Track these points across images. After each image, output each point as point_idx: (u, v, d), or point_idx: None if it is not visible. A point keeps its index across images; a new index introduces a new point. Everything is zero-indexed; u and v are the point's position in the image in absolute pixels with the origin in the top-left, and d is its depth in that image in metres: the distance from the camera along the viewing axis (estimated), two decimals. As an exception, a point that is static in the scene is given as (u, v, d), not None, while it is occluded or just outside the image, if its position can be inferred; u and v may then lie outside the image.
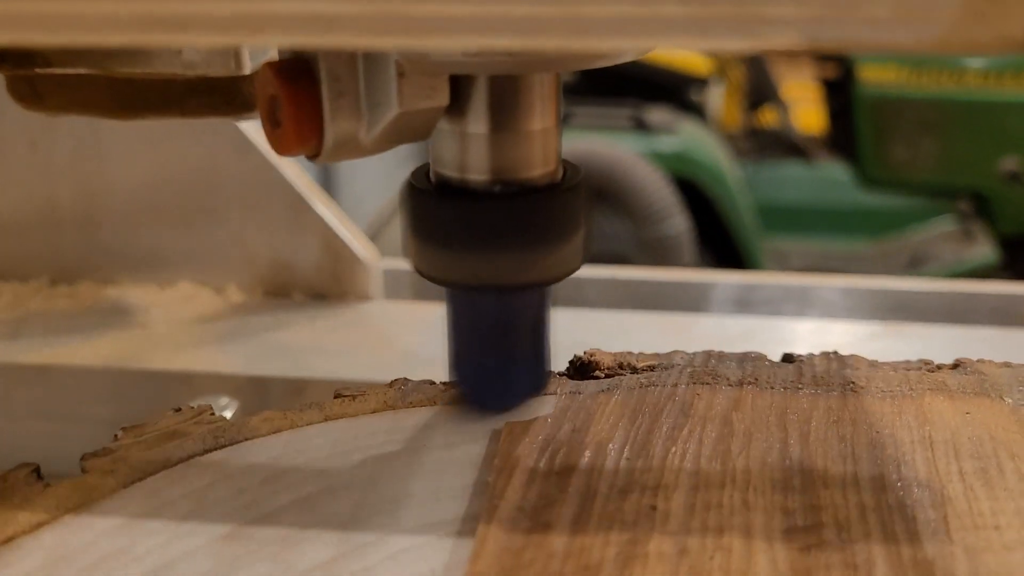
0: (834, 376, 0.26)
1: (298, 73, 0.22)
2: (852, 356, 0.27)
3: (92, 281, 0.49)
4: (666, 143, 1.69)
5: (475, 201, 0.23)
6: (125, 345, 0.43)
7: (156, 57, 0.30)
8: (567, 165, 0.25)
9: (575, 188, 0.24)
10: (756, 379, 0.26)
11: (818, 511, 0.20)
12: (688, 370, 0.26)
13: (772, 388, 0.25)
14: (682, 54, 1.77)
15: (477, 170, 0.23)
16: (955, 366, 0.27)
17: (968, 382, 0.26)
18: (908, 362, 0.27)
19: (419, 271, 0.24)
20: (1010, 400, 0.25)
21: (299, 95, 0.22)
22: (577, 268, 0.24)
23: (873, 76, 1.80)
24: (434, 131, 0.23)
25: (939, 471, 0.22)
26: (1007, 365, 0.27)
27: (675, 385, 0.25)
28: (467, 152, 0.23)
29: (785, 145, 1.98)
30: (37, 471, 0.22)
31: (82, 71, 0.30)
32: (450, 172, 0.24)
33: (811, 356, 0.27)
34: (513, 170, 0.23)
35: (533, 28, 0.15)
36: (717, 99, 1.95)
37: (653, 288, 0.47)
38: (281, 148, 0.22)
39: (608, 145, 1.60)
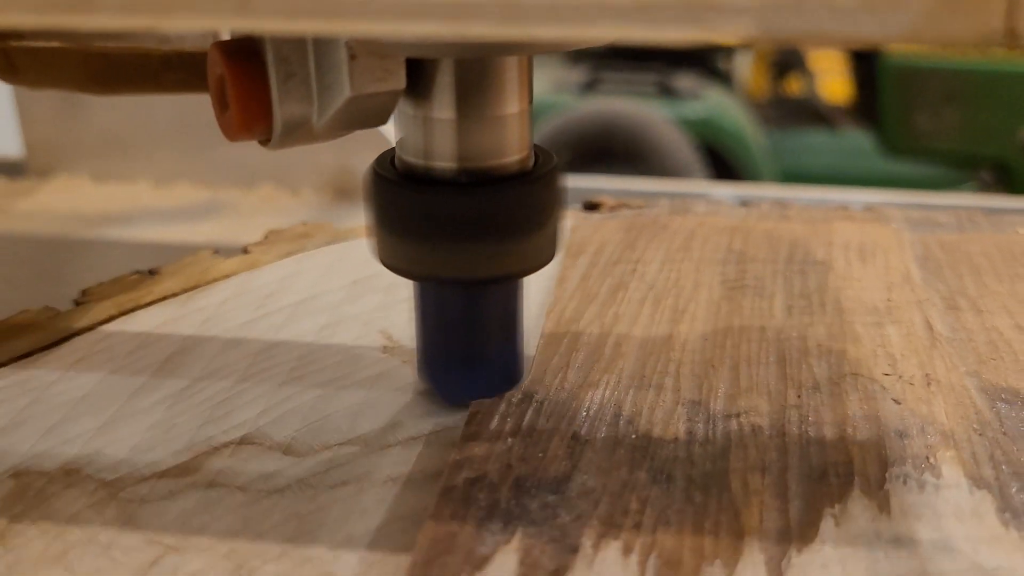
0: (773, 210, 0.38)
1: (245, 53, 0.21)
2: (791, 203, 0.39)
3: (189, 182, 0.62)
4: (692, 109, 1.79)
5: (440, 191, 0.23)
6: (222, 229, 0.55)
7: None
8: (540, 152, 0.25)
9: (547, 176, 0.24)
10: (717, 212, 0.38)
11: (744, 274, 0.32)
12: (668, 206, 0.38)
13: (728, 217, 0.37)
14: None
15: (443, 158, 0.23)
16: (866, 210, 0.38)
17: (869, 216, 0.37)
18: (830, 206, 0.39)
19: (383, 263, 0.24)
20: (895, 225, 0.36)
21: (245, 76, 0.21)
22: (550, 259, 0.24)
23: (899, 45, 1.88)
24: (398, 116, 0.23)
25: (832, 256, 0.33)
26: (901, 208, 0.38)
27: (657, 215, 0.37)
28: (432, 139, 0.23)
29: (810, 113, 2.07)
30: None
31: (56, 45, 0.30)
32: (414, 159, 0.23)
33: (761, 201, 0.39)
34: (481, 158, 0.23)
35: (463, 14, 0.14)
36: (744, 67, 2.05)
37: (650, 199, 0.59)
38: (229, 132, 0.22)
39: (633, 107, 1.70)
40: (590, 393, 0.25)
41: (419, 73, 0.22)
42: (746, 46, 1.94)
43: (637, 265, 0.33)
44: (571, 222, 0.37)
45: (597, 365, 0.26)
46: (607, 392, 0.25)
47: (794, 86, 2.08)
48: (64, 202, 0.58)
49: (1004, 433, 0.23)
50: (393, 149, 0.24)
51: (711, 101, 1.86)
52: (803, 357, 0.27)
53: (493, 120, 0.23)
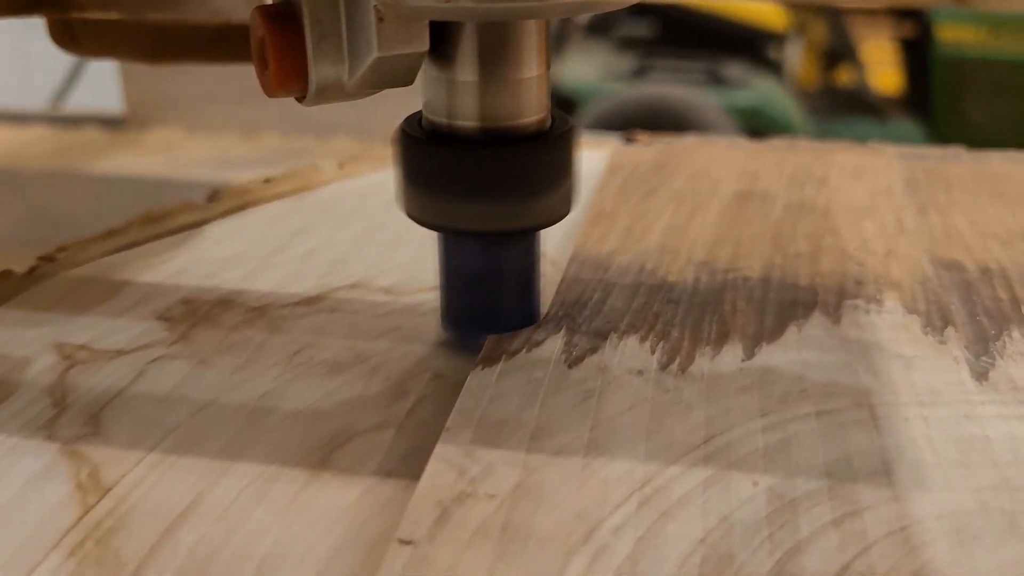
0: (785, 143, 0.45)
1: (284, 16, 0.24)
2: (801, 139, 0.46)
3: (272, 134, 0.71)
4: (740, 97, 1.86)
5: (462, 148, 0.25)
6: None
7: (184, 4, 0.32)
8: (556, 114, 0.27)
9: (563, 136, 0.26)
10: (736, 145, 0.45)
11: (753, 185, 0.40)
12: (695, 140, 0.46)
13: (744, 149, 0.45)
14: (761, 9, 1.93)
15: (465, 117, 0.25)
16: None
17: (867, 151, 0.45)
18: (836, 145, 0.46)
19: (409, 215, 0.27)
20: (887, 158, 0.44)
21: (284, 37, 0.23)
22: (565, 215, 0.27)
23: (951, 36, 1.91)
24: (424, 78, 0.25)
25: (829, 175, 0.41)
26: (897, 148, 0.46)
27: (686, 144, 0.45)
28: (455, 99, 0.25)
29: (860, 104, 2.11)
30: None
31: (114, 16, 0.32)
32: (439, 119, 0.25)
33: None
34: (501, 118, 0.25)
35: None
36: (795, 56, 2.10)
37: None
38: (269, 89, 0.24)
39: (680, 91, 1.76)
40: (620, 257, 0.33)
41: (443, 37, 0.24)
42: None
43: (665, 179, 0.41)
44: (612, 150, 0.45)
45: (628, 240, 0.34)
46: (634, 256, 0.33)
47: (844, 76, 2.13)
48: (160, 151, 0.67)
49: (940, 286, 0.31)
50: (420, 111, 0.26)
51: (760, 90, 1.92)
52: (792, 239, 0.34)
53: (513, 83, 0.25)
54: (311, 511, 0.22)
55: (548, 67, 0.26)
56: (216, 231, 0.37)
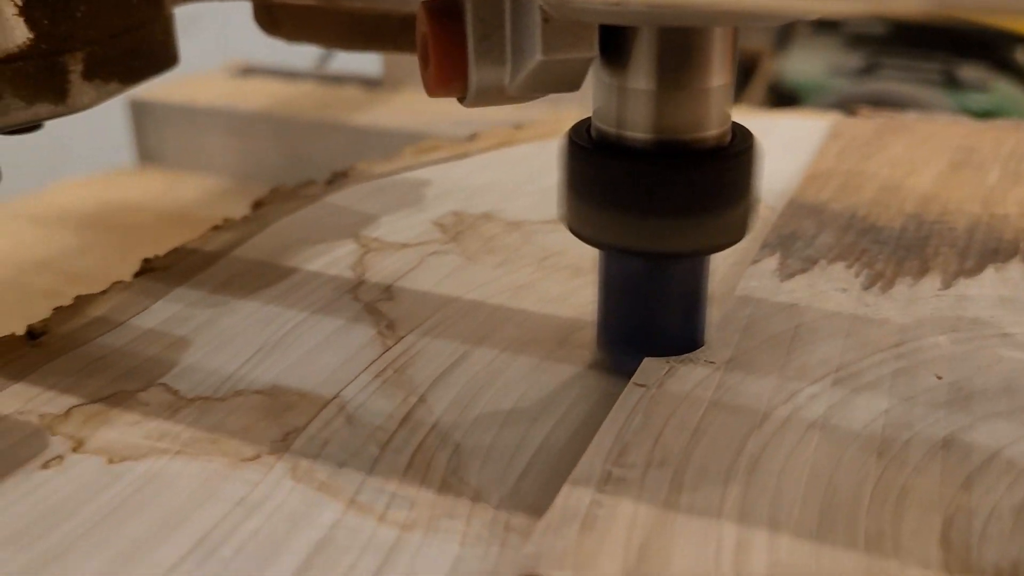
0: (1006, 123, 0.48)
1: (448, 13, 0.23)
2: (1026, 121, 0.48)
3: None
4: (976, 101, 1.79)
5: (631, 161, 0.23)
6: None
7: (376, -8, 0.33)
8: (738, 128, 0.25)
9: (744, 153, 0.24)
10: (957, 121, 0.48)
11: (969, 157, 0.43)
12: (915, 115, 0.49)
13: (965, 125, 0.47)
14: (1005, 10, 1.84)
15: (636, 128, 0.23)
16: None
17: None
18: None
19: (570, 228, 0.25)
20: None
21: (446, 35, 0.23)
22: (739, 239, 0.25)
23: None
24: (595, 83, 0.24)
25: None
26: None
27: (905, 119, 0.48)
28: (626, 108, 0.23)
29: (1112, 116, 1.98)
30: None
31: (311, 2, 0.34)
32: (609, 128, 0.24)
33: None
34: (678, 130, 0.23)
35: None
36: (1041, 62, 1.99)
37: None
38: (429, 89, 0.24)
39: (910, 90, 1.72)
40: (835, 205, 0.37)
41: (617, 41, 0.23)
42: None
43: (883, 147, 0.44)
44: (834, 120, 0.48)
45: (842, 193, 0.38)
46: (847, 206, 0.37)
47: (1096, 86, 2.01)
48: (411, 108, 0.75)
49: None
50: (590, 117, 0.25)
51: (1000, 94, 1.84)
52: (1001, 203, 0.37)
53: (694, 92, 0.23)
54: (552, 373, 0.28)
55: (734, 76, 0.24)
56: (474, 163, 0.44)
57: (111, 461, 0.24)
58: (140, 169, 0.71)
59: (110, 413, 0.26)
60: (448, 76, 0.23)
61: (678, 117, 0.23)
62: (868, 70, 1.91)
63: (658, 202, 0.23)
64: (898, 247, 0.33)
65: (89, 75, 0.29)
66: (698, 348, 0.26)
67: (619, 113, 0.24)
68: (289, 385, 0.27)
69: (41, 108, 0.29)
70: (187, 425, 0.25)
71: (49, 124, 0.30)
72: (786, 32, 1.93)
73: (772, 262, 0.32)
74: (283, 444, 0.25)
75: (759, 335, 0.28)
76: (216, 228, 0.37)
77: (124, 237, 0.58)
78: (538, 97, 0.24)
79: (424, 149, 0.45)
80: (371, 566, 0.21)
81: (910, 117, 0.49)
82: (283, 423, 0.25)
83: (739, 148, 0.24)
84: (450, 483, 0.23)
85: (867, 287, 0.30)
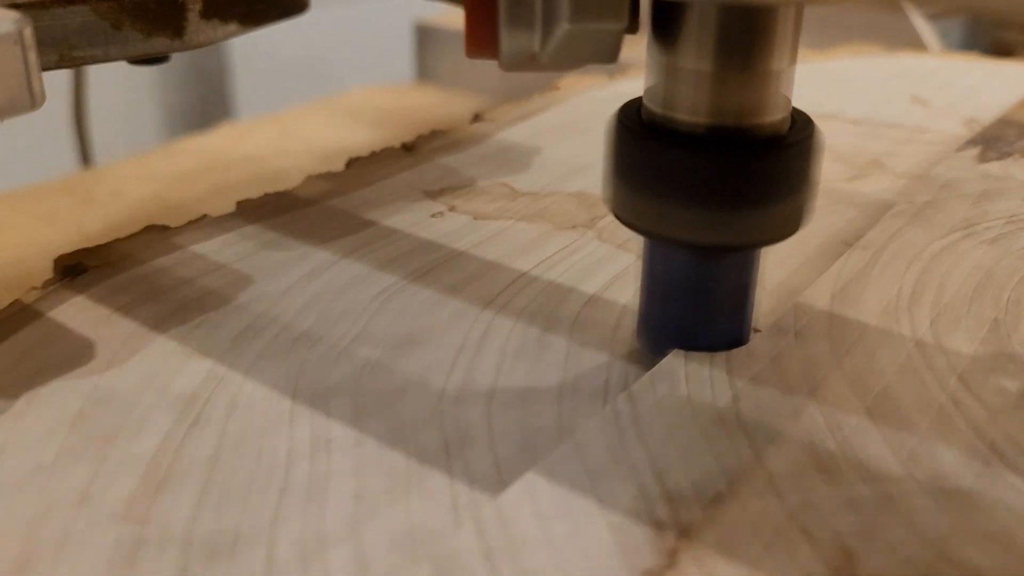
0: None
1: None
2: None
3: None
4: None
5: (681, 146, 0.22)
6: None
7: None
8: (798, 115, 0.24)
9: (803, 142, 0.23)
10: None
11: None
12: None
13: None
14: None
15: (687, 110, 0.23)
16: None
17: None
18: None
19: (614, 213, 0.24)
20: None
21: None
22: (793, 232, 0.24)
23: None
24: (647, 62, 0.23)
25: None
26: None
27: None
28: (678, 89, 0.23)
29: None
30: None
31: None
32: (658, 110, 0.23)
33: None
34: (733, 115, 0.22)
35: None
36: None
37: None
38: (466, 49, 0.24)
39: None
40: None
41: (670, 16, 0.22)
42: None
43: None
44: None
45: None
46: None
47: None
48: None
49: None
50: (640, 98, 0.24)
51: None
52: None
53: (753, 76, 0.22)
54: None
55: (795, 60, 0.23)
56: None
57: (475, 219, 0.36)
58: (418, 85, 0.84)
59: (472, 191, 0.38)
60: (480, 39, 0.23)
61: (734, 101, 0.22)
62: None
63: (707, 191, 0.22)
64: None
65: (207, 14, 0.31)
66: (743, 345, 0.26)
67: (669, 94, 0.23)
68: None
69: (158, 42, 0.30)
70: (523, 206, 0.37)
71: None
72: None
73: (973, 151, 0.40)
74: (591, 222, 0.36)
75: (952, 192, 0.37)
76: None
77: (406, 133, 0.71)
78: (572, 68, 0.23)
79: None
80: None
81: None
82: (591, 211, 0.37)
83: (797, 137, 0.23)
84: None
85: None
